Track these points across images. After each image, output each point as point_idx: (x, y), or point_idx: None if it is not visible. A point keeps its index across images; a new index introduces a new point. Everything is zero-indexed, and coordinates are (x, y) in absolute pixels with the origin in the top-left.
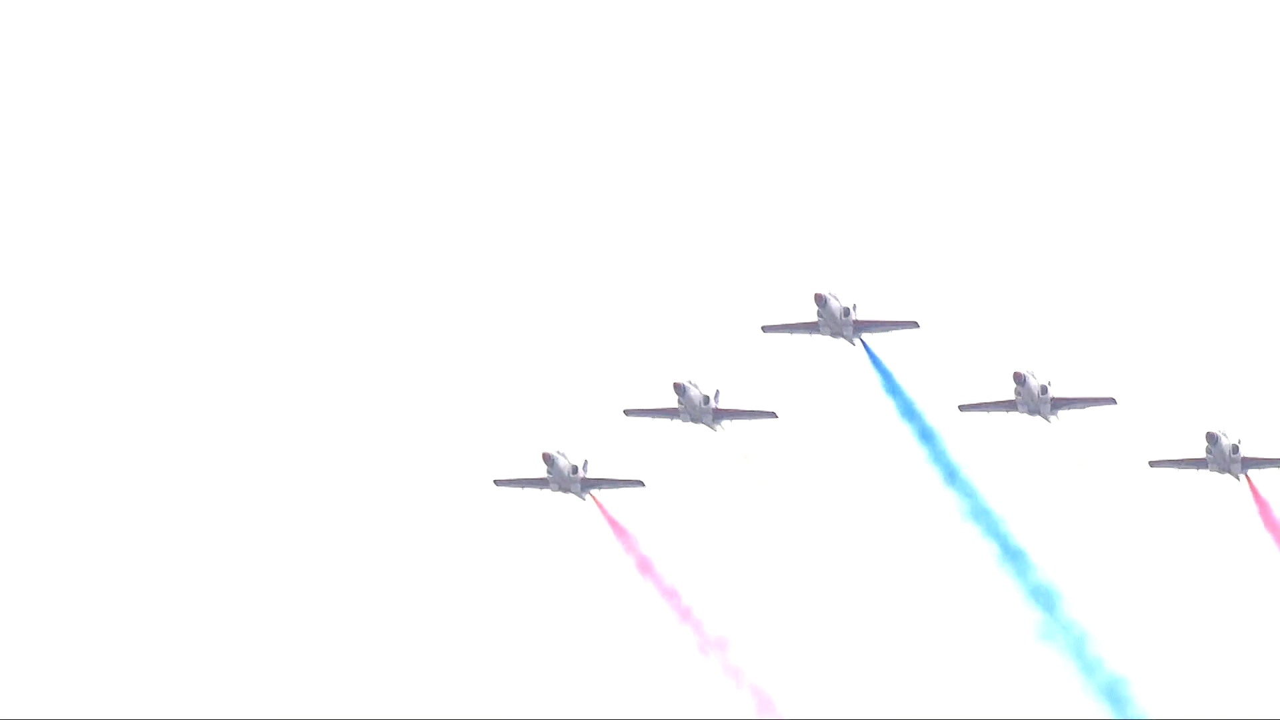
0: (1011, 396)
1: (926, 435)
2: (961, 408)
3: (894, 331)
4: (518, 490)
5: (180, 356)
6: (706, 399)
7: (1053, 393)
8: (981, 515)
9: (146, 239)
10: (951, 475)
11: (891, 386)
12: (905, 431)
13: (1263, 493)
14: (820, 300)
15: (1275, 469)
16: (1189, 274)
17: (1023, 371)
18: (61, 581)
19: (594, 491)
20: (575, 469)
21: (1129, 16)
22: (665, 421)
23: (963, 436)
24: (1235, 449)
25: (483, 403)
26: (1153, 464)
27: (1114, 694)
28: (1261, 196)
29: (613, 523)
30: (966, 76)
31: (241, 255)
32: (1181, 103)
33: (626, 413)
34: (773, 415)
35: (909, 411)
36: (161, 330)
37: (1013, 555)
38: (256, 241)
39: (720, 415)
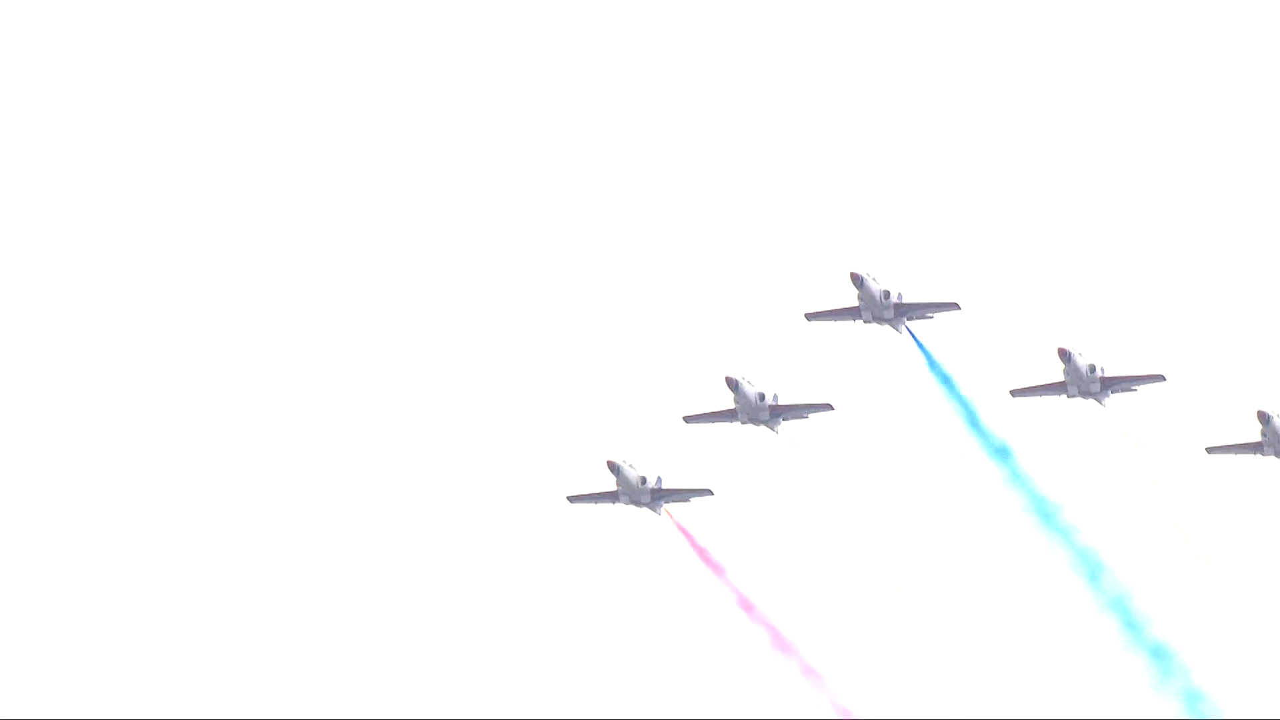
0: (1061, 378)
1: (977, 423)
2: (1013, 393)
3: (935, 314)
4: (590, 505)
5: (221, 366)
6: (761, 396)
7: (1101, 372)
8: (1038, 503)
9: (153, 239)
10: (1008, 462)
11: (940, 373)
12: (958, 419)
13: None
14: (857, 280)
15: None
16: (1231, 250)
17: (1067, 348)
18: (65, 582)
19: (666, 504)
20: (643, 480)
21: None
22: (724, 425)
23: (1016, 422)
24: None
25: (534, 418)
26: (1210, 450)
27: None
28: None
29: (690, 539)
30: (1003, 58)
31: (283, 263)
32: (1224, 75)
33: (686, 420)
34: (829, 407)
35: (960, 400)
36: (209, 334)
37: (1081, 554)
38: (299, 249)
39: (777, 413)
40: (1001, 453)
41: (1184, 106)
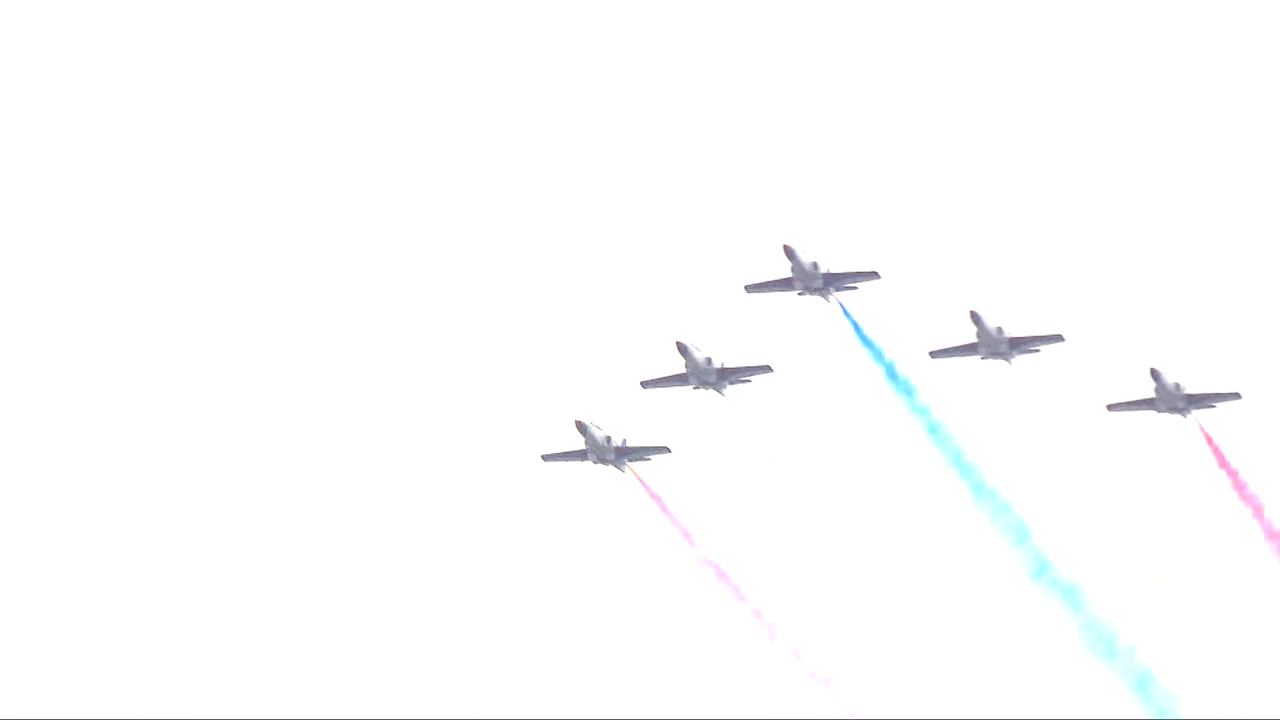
0: (973, 339)
1: (903, 386)
2: (932, 354)
3: (859, 283)
4: (562, 464)
5: (201, 351)
6: (709, 360)
7: (1007, 333)
8: (959, 462)
9: (149, 239)
10: (929, 423)
11: (865, 339)
12: (884, 382)
13: (1212, 432)
14: (789, 252)
15: (1221, 404)
16: (1119, 218)
17: (978, 311)
18: (65, 582)
19: (630, 462)
20: (609, 439)
21: None
22: (677, 389)
23: (937, 383)
24: (1178, 386)
25: (506, 386)
26: (1110, 407)
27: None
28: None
29: (651, 491)
30: (908, 31)
31: (256, 250)
32: (1125, 47)
33: (643, 384)
34: (768, 369)
35: (884, 363)
36: (184, 326)
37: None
38: (268, 236)
39: (723, 376)
40: (922, 411)
41: (1072, 70)
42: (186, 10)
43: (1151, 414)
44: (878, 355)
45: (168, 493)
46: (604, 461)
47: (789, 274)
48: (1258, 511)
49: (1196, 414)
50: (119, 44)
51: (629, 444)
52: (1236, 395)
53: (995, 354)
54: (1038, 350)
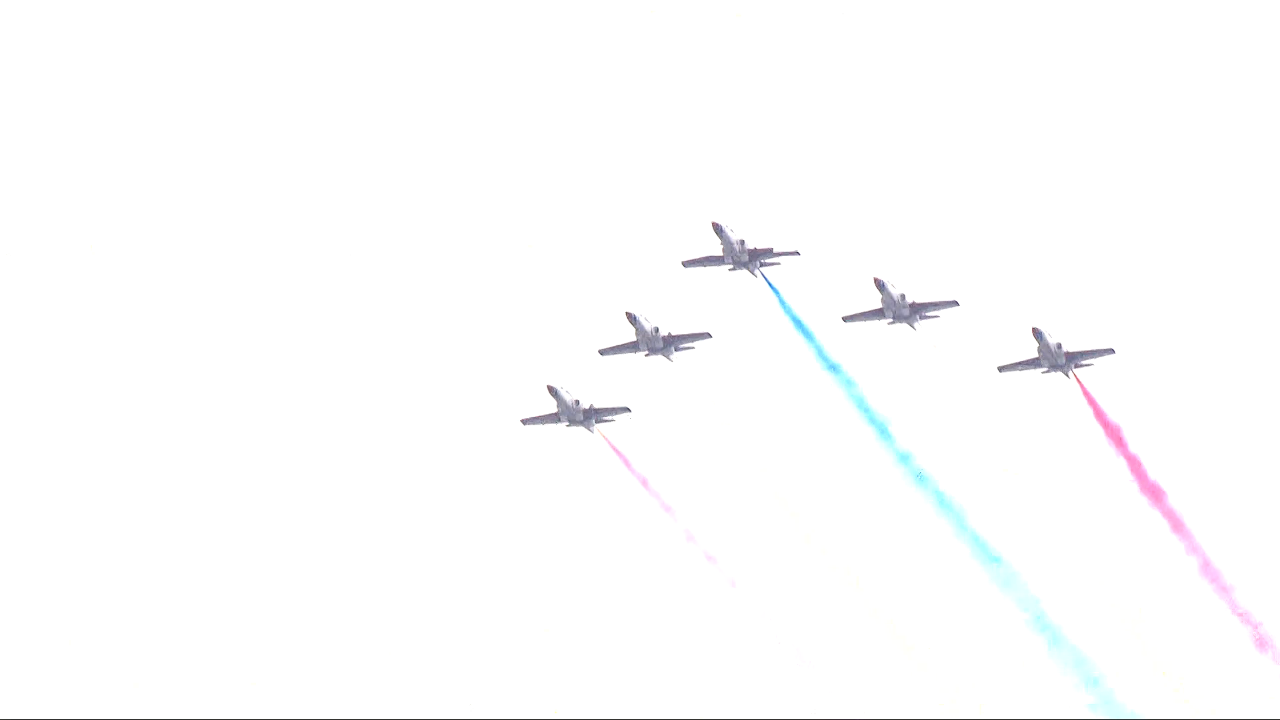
0: (879, 305)
1: (821, 352)
2: (844, 319)
3: (781, 258)
4: (539, 426)
5: (193, 327)
6: (656, 329)
7: (910, 299)
8: (867, 412)
9: (147, 233)
10: (841, 377)
11: (787, 308)
12: (802, 344)
13: (1090, 389)
14: (717, 229)
15: (1097, 360)
16: (1011, 182)
17: (882, 278)
18: (65, 582)
19: (597, 423)
20: (577, 402)
21: None
22: (629, 356)
23: (848, 344)
24: (1059, 345)
25: (481, 357)
26: (1001, 368)
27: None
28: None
29: (615, 449)
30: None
31: (227, 228)
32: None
33: (600, 352)
34: (708, 336)
35: (804, 331)
36: (165, 294)
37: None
38: (239, 217)
39: (669, 342)
40: (835, 369)
41: (950, 52)
42: (186, 10)
43: (1037, 372)
44: (797, 321)
45: (140, 471)
46: (575, 423)
47: (720, 251)
48: (1123, 450)
49: (1077, 371)
50: (119, 44)
51: (595, 406)
52: (1110, 351)
53: (899, 318)
54: (937, 315)
